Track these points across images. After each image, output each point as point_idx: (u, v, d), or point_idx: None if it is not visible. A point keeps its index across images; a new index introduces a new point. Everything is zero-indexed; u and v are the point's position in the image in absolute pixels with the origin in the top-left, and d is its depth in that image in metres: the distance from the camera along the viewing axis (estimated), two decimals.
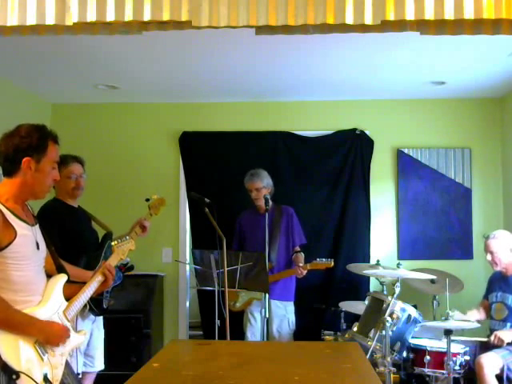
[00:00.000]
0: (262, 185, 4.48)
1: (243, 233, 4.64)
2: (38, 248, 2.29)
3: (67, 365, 2.43)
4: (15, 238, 2.16)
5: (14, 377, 2.06)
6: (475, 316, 4.14)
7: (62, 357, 2.31)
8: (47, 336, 2.23)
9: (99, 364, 3.64)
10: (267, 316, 4.14)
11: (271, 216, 4.50)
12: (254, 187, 4.46)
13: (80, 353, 3.41)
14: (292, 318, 4.50)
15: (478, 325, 3.75)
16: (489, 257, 4.11)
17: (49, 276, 2.41)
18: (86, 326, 3.33)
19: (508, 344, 3.81)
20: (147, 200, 3.96)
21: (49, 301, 2.30)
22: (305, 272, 4.35)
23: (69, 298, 2.42)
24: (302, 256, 4.47)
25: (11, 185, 2.25)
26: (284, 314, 4.45)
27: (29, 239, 2.25)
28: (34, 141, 2.24)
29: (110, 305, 3.53)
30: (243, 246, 4.60)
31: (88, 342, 3.48)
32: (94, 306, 3.38)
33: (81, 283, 2.55)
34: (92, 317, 3.49)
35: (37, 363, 2.17)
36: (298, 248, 4.54)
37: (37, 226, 2.35)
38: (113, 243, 2.76)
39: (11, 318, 2.14)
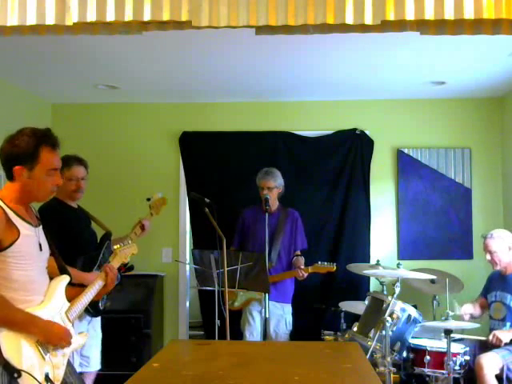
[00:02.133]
0: (275, 184, 4.47)
1: (245, 229, 4.63)
2: (40, 249, 2.30)
3: (70, 364, 2.43)
4: (18, 238, 2.17)
5: (16, 375, 2.07)
6: (469, 309, 4.13)
7: (63, 357, 2.32)
8: (48, 336, 2.23)
9: (95, 364, 3.64)
10: (267, 316, 4.14)
11: (276, 216, 4.51)
12: (267, 186, 4.45)
13: (76, 353, 3.41)
14: (289, 318, 4.49)
15: (478, 325, 3.74)
16: (488, 256, 4.11)
17: (50, 278, 2.41)
18: (82, 327, 3.32)
19: (507, 344, 3.81)
20: (148, 200, 3.96)
21: (51, 301, 2.31)
22: (306, 275, 4.35)
23: (69, 299, 2.42)
24: (302, 260, 4.46)
25: (12, 188, 2.27)
26: (281, 314, 4.43)
27: (32, 240, 2.25)
28: (21, 150, 2.21)
29: (107, 306, 3.53)
30: (244, 243, 4.60)
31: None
32: (90, 307, 3.37)
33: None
34: (88, 317, 3.49)
35: (38, 362, 2.17)
36: (298, 252, 4.54)
37: (40, 228, 2.36)
38: (115, 247, 2.76)
39: (12, 316, 2.15)
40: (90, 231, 3.70)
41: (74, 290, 2.49)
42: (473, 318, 4.13)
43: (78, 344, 2.45)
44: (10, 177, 2.26)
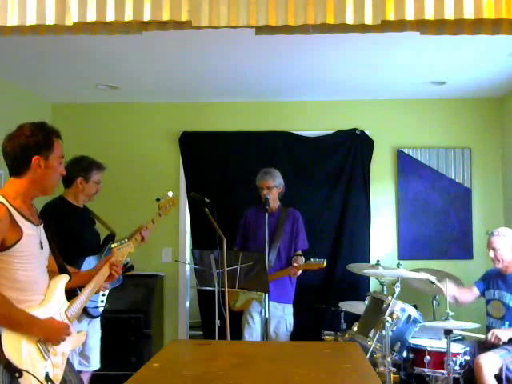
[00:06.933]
0: (274, 184, 4.47)
1: (247, 229, 4.63)
2: (41, 248, 2.31)
3: (69, 363, 2.44)
4: (21, 237, 2.18)
5: (17, 375, 2.07)
6: (453, 290, 4.13)
7: (63, 357, 2.32)
8: (48, 334, 2.24)
9: (95, 363, 3.64)
10: (267, 316, 4.14)
11: (277, 216, 4.51)
12: (266, 185, 4.45)
13: (75, 353, 3.41)
14: (290, 319, 4.48)
15: (478, 325, 3.74)
16: (491, 253, 4.10)
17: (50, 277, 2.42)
18: (81, 327, 3.32)
19: (506, 344, 3.81)
20: (158, 200, 3.92)
21: (51, 300, 2.31)
22: (299, 272, 4.34)
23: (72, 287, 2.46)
24: (301, 259, 4.45)
25: (19, 184, 2.26)
26: (281, 316, 4.42)
27: (34, 239, 2.26)
28: (40, 139, 2.25)
29: (105, 308, 3.53)
30: (246, 242, 4.60)
31: (83, 343, 3.48)
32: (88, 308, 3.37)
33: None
34: (87, 318, 3.49)
35: (39, 362, 2.18)
36: (299, 252, 4.53)
37: (41, 226, 2.36)
38: (112, 245, 2.76)
39: (13, 317, 2.15)
40: (92, 232, 3.70)
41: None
42: (457, 301, 4.13)
43: (77, 343, 2.45)
44: (22, 171, 2.25)
